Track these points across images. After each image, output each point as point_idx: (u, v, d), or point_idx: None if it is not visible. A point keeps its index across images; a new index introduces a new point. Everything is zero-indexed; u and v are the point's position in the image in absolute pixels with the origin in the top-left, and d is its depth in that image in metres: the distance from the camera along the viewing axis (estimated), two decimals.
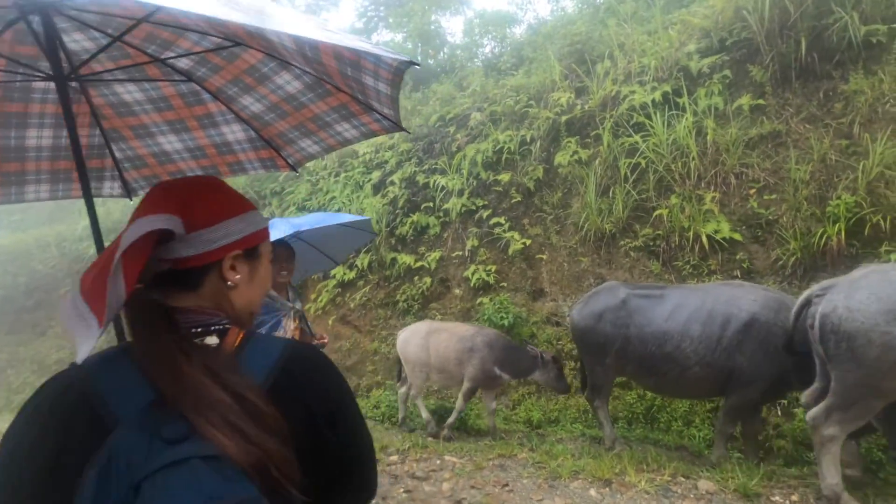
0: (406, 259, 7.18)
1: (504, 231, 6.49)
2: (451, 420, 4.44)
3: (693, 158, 5.16)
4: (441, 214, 7.31)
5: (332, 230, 3.36)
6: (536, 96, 7.10)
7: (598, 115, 6.25)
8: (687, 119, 5.29)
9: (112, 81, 1.97)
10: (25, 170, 2.18)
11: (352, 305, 7.58)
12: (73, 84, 1.92)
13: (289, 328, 2.63)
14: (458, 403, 4.43)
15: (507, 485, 3.13)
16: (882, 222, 4.07)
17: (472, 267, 6.55)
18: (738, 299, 3.28)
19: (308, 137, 2.14)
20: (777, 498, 2.67)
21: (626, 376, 4.00)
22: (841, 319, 2.48)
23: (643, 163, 5.59)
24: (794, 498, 2.66)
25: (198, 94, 2.03)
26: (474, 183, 7.08)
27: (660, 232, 5.32)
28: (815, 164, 4.61)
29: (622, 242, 5.58)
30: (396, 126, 2.03)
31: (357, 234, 3.68)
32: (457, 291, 6.72)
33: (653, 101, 5.67)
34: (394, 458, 3.76)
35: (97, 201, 2.11)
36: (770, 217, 4.74)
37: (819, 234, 4.31)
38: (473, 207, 6.96)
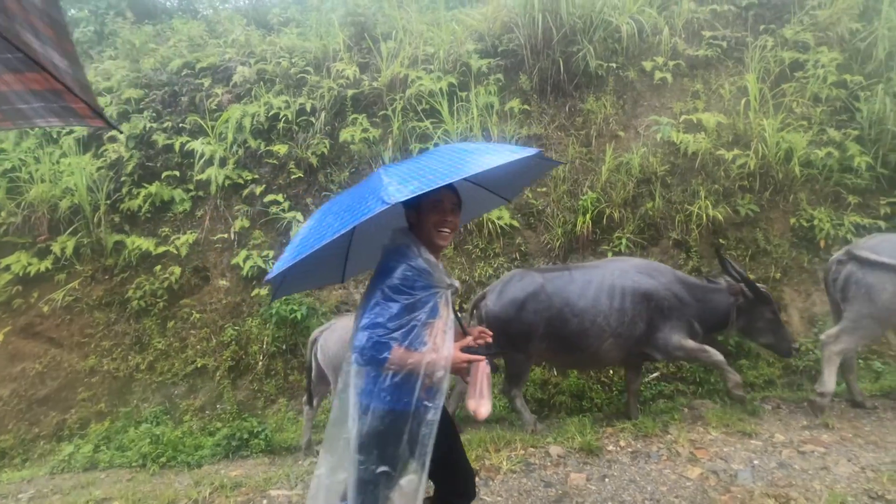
0: (141, 243, 5.45)
1: (283, 211, 5.61)
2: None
3: None
4: (193, 187, 5.83)
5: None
6: (315, 63, 6.39)
7: (386, 94, 6.06)
8: (473, 112, 5.64)
9: None
10: None
11: (45, 309, 5.29)
12: None
13: (445, 317, 1.69)
14: None
15: None
16: (614, 214, 5.24)
17: (243, 252, 5.45)
18: (626, 272, 3.71)
19: None
20: (611, 447, 3.14)
21: (544, 359, 4.00)
22: (862, 276, 3.40)
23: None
24: (622, 443, 3.17)
25: None
26: (241, 152, 5.89)
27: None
28: (569, 166, 5.58)
29: None
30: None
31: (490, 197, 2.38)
32: (221, 283, 5.47)
33: (440, 90, 5.84)
34: None
35: None
36: (539, 207, 5.52)
37: (575, 223, 5.26)
38: (241, 181, 5.79)
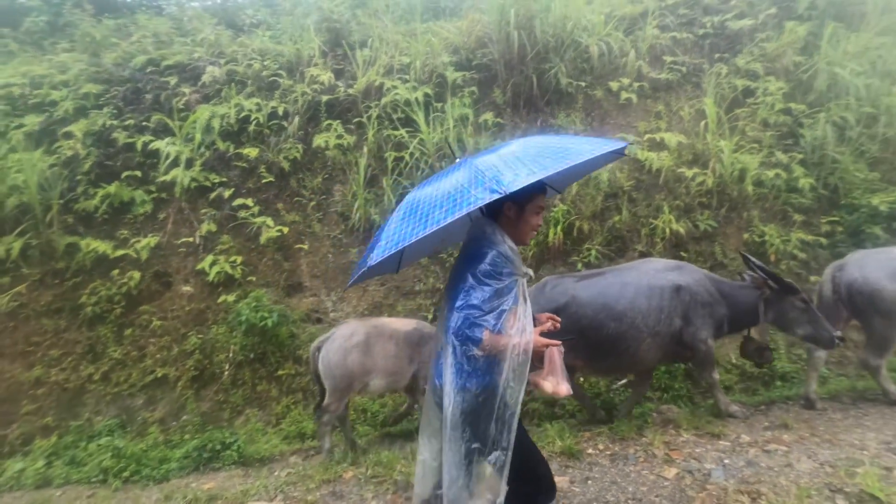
0: (97, 245, 5.16)
1: (253, 215, 5.47)
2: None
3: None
4: (155, 188, 5.58)
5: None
6: (288, 67, 6.30)
7: (361, 101, 6.05)
8: (448, 123, 5.71)
9: None
10: None
11: None
12: None
13: (523, 303, 1.81)
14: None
15: None
16: (583, 226, 5.43)
17: (210, 257, 5.26)
18: (659, 271, 3.76)
19: None
20: (590, 451, 3.22)
21: (574, 367, 3.92)
22: (862, 285, 3.68)
23: (409, 158, 5.72)
24: (600, 447, 3.26)
25: None
26: (208, 153, 5.70)
27: None
28: None
29: None
30: None
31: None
32: (185, 288, 5.25)
33: (416, 99, 5.89)
34: None
35: None
36: None
37: (546, 234, 5.40)
38: (208, 184, 5.60)
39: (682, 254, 5.42)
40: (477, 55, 6.42)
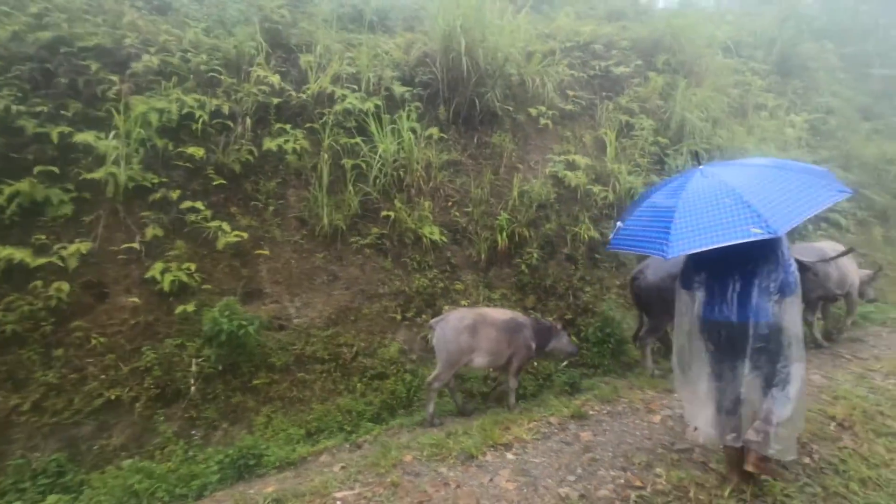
0: (11, 252, 4.36)
1: (205, 220, 5.14)
2: (512, 400, 4.61)
3: (415, 171, 6.03)
4: (77, 187, 4.88)
5: None
6: (226, 63, 5.97)
7: (313, 107, 6.06)
8: (405, 134, 6.09)
9: None
10: None
11: None
12: None
13: None
14: (513, 382, 4.61)
15: (447, 483, 2.86)
16: (525, 232, 6.29)
17: (160, 265, 4.82)
18: None
19: None
20: (591, 412, 3.95)
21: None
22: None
23: (365, 166, 5.95)
24: (597, 408, 4.02)
25: None
26: (143, 151, 5.16)
27: (385, 231, 5.84)
28: (484, 189, 6.46)
29: (352, 240, 5.71)
30: None
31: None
32: (129, 300, 4.71)
33: (368, 110, 6.12)
34: None
35: None
36: (463, 225, 6.24)
37: (494, 240, 6.13)
38: (147, 184, 5.08)
39: (597, 255, 6.64)
40: (418, 72, 6.89)
